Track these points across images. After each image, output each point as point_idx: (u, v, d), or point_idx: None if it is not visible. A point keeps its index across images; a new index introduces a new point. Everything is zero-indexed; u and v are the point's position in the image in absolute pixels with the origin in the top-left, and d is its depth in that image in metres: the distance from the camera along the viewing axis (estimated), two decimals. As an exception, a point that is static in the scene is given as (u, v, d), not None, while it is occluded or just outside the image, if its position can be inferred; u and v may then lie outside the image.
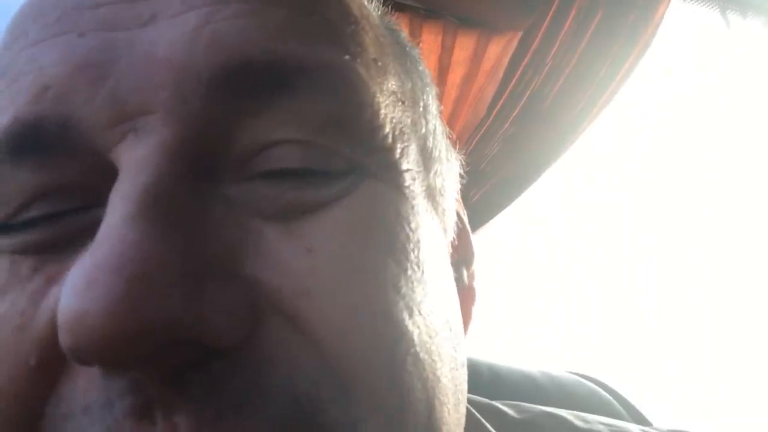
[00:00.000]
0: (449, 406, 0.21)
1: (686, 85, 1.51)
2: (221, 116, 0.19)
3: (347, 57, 0.21)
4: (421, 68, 0.28)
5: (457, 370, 0.22)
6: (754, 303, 1.54)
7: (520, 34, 1.20)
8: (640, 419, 0.52)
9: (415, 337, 0.19)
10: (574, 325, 1.58)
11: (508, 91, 1.18)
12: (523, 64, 1.17)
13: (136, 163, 0.18)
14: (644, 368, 1.52)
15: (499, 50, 1.22)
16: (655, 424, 0.50)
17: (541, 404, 0.40)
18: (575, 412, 0.39)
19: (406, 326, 0.19)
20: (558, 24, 1.15)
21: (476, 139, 1.20)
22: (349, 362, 0.18)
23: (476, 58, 1.20)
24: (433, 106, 0.28)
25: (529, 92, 1.18)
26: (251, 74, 0.19)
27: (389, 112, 0.22)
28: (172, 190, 0.18)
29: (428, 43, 1.16)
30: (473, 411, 0.35)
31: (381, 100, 0.22)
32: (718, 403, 1.46)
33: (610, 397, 0.53)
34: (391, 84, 0.23)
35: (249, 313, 0.17)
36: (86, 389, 0.17)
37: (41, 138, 0.19)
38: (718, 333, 1.56)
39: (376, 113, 0.21)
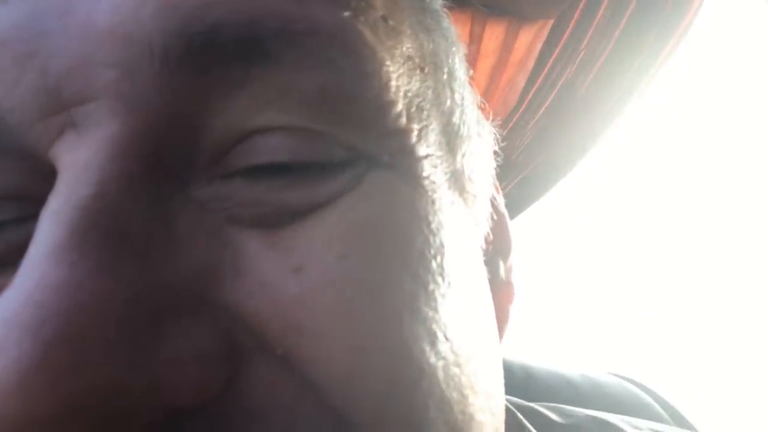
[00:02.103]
0: None
1: (728, 75, 1.45)
2: (184, 99, 0.15)
3: (347, 14, 0.17)
4: (444, 24, 0.23)
5: (494, 396, 0.18)
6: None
7: (551, 22, 1.16)
8: (682, 422, 0.49)
9: (440, 372, 0.15)
10: (613, 324, 1.54)
11: (539, 81, 1.15)
12: (555, 53, 1.14)
13: (74, 168, 0.14)
14: (684, 369, 1.48)
15: (529, 39, 1.19)
16: (698, 428, 0.47)
17: (578, 406, 0.38)
18: (623, 417, 0.36)
19: (427, 360, 0.15)
20: (591, 11, 1.11)
21: (507, 129, 1.17)
22: (358, 413, 0.14)
23: (506, 48, 1.17)
24: (461, 71, 0.23)
25: (561, 82, 1.14)
26: (219, 43, 0.15)
27: (403, 83, 0.18)
28: (120, 203, 0.14)
29: (456, 33, 1.13)
30: (518, 414, 0.32)
31: (392, 68, 0.18)
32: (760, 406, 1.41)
33: (651, 400, 0.51)
34: (406, 47, 0.19)
35: (226, 355, 0.14)
36: None
37: None
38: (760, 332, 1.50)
39: (386, 86, 0.17)
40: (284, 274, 0.15)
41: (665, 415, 0.50)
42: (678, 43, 1.13)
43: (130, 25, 0.15)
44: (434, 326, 0.16)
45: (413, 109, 0.18)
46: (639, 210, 1.60)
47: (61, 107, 0.15)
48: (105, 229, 0.13)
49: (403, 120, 0.18)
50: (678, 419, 0.50)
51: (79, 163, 0.14)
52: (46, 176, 0.15)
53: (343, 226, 0.16)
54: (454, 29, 0.24)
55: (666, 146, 1.56)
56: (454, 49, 0.23)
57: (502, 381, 0.20)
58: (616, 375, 0.52)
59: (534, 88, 1.15)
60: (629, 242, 1.61)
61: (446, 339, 0.16)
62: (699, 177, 1.57)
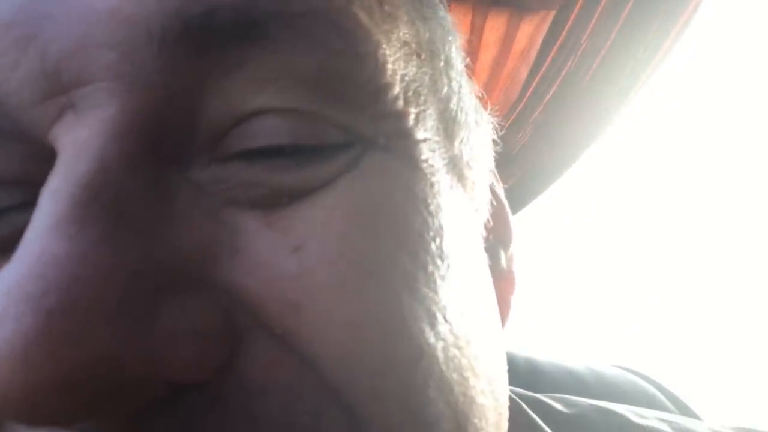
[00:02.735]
0: (488, 429, 0.17)
1: (732, 63, 1.43)
2: (183, 82, 0.15)
3: None
4: (441, 14, 0.23)
5: (496, 380, 0.18)
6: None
7: (553, 12, 1.15)
8: (687, 413, 0.49)
9: (439, 353, 0.15)
10: (618, 316, 1.54)
11: (541, 73, 1.14)
12: (557, 44, 1.13)
13: (74, 147, 0.14)
14: (689, 361, 1.48)
15: (531, 30, 1.18)
16: (711, 421, 0.47)
17: (585, 398, 0.37)
18: (629, 407, 0.35)
19: (426, 340, 0.15)
20: (593, 1, 1.10)
21: (508, 123, 1.16)
22: (357, 391, 0.14)
23: (507, 39, 1.16)
24: (457, 60, 0.23)
25: (563, 74, 1.13)
26: (215, 24, 0.15)
27: (399, 67, 0.18)
28: (120, 180, 0.14)
29: (457, 24, 1.12)
30: (523, 405, 0.32)
31: (388, 52, 0.18)
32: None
33: (657, 392, 0.50)
34: (403, 33, 0.19)
35: (225, 333, 0.14)
36: None
37: None
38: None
39: (382, 68, 0.17)
40: (283, 254, 0.15)
41: (671, 407, 0.50)
42: (681, 32, 1.12)
43: (129, 8, 0.15)
44: (433, 307, 0.16)
45: (410, 93, 0.18)
46: (643, 202, 1.59)
47: (60, 89, 0.15)
48: (105, 204, 0.13)
49: (400, 103, 0.18)
50: (683, 410, 0.50)
51: (79, 143, 0.14)
52: (46, 160, 0.15)
53: (342, 207, 0.16)
54: (451, 19, 0.24)
55: (669, 138, 1.55)
56: (450, 38, 0.23)
57: (505, 366, 0.20)
58: (621, 367, 0.52)
59: (536, 80, 1.14)
60: (633, 235, 1.60)
61: (445, 320, 0.16)
62: (703, 169, 1.56)
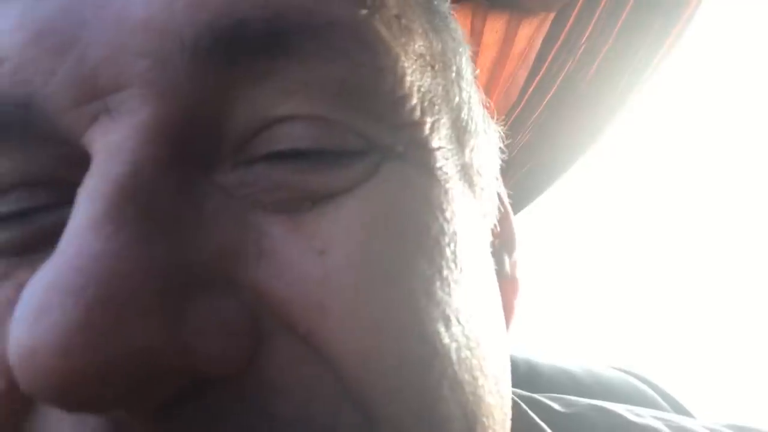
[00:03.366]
0: (495, 427, 0.18)
1: (733, 64, 1.44)
2: (211, 88, 0.16)
3: (364, 12, 0.18)
4: (452, 26, 0.24)
5: (502, 380, 0.19)
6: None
7: (552, 15, 1.15)
8: (684, 415, 0.49)
9: (453, 354, 0.16)
10: (615, 318, 1.54)
11: (540, 74, 1.14)
12: (557, 46, 1.13)
13: (108, 150, 0.15)
14: (686, 363, 1.48)
15: (530, 32, 1.18)
16: (705, 419, 0.47)
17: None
18: (626, 406, 0.36)
19: (441, 341, 0.16)
20: (593, 3, 1.10)
21: (508, 125, 1.16)
22: (373, 390, 0.15)
23: (507, 41, 1.16)
24: (468, 71, 0.24)
25: (563, 76, 1.14)
26: (246, 36, 0.16)
27: (416, 79, 0.19)
28: (152, 182, 0.15)
29: (457, 27, 1.13)
30: (523, 405, 0.32)
31: (406, 64, 0.18)
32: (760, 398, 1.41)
33: (653, 393, 0.51)
34: (418, 45, 0.20)
35: (250, 331, 0.15)
36: (57, 430, 0.14)
37: (1, 121, 0.16)
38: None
39: (401, 81, 0.18)
40: (308, 257, 0.16)
41: (667, 407, 0.50)
42: (681, 34, 1.13)
43: (163, 18, 0.16)
44: (448, 310, 0.17)
45: (426, 104, 0.19)
46: (642, 203, 1.59)
47: (96, 95, 0.16)
48: (139, 206, 0.14)
49: (417, 113, 0.19)
50: (679, 410, 0.50)
51: (113, 146, 0.15)
52: (78, 163, 0.16)
53: (364, 214, 0.17)
54: (461, 30, 0.25)
55: (669, 140, 1.55)
56: (461, 49, 0.24)
57: (509, 366, 0.21)
58: (618, 369, 0.52)
59: (535, 82, 1.15)
60: (632, 236, 1.61)
61: (459, 322, 0.17)
62: (702, 171, 1.56)
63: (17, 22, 0.16)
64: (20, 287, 0.15)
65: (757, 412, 1.36)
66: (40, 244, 0.16)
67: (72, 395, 0.12)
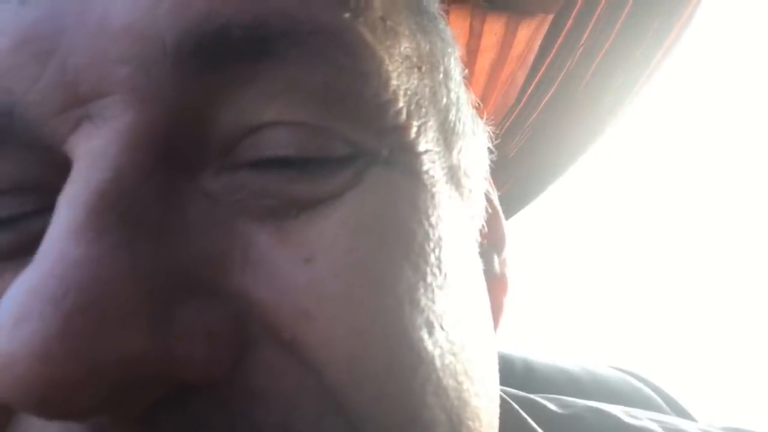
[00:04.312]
0: (481, 429, 0.18)
1: (728, 69, 1.44)
2: (195, 94, 0.16)
3: (347, 15, 0.18)
4: (441, 26, 0.24)
5: (489, 381, 0.19)
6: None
7: (551, 17, 1.16)
8: (683, 415, 0.49)
9: (437, 360, 0.16)
10: (616, 318, 1.54)
11: (539, 76, 1.14)
12: (555, 47, 1.13)
13: (89, 156, 0.15)
14: (685, 362, 1.48)
15: (529, 34, 1.18)
16: (703, 421, 0.47)
17: (581, 400, 0.38)
18: (623, 407, 0.36)
19: (424, 348, 0.16)
20: (591, 4, 1.10)
21: (506, 126, 1.17)
22: (358, 397, 0.15)
23: (506, 43, 1.16)
24: (456, 71, 0.24)
25: (561, 77, 1.14)
26: (228, 41, 0.16)
27: (402, 82, 0.19)
28: (134, 189, 0.14)
29: (455, 28, 1.13)
30: (514, 405, 0.32)
31: (391, 68, 0.18)
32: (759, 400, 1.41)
33: (651, 392, 0.51)
34: (404, 47, 0.19)
35: (234, 337, 0.15)
36: None
37: None
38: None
39: (385, 85, 0.18)
40: (295, 265, 0.16)
41: (666, 408, 0.50)
42: (679, 35, 1.13)
43: (145, 24, 0.16)
44: (431, 316, 0.17)
45: (412, 107, 0.19)
46: (640, 204, 1.60)
47: (78, 101, 0.16)
48: (121, 212, 0.14)
49: (403, 117, 0.19)
50: (678, 410, 0.50)
51: (95, 152, 0.15)
52: (61, 169, 0.16)
53: (349, 222, 0.17)
54: (450, 31, 0.25)
55: (666, 142, 1.55)
56: (449, 50, 0.24)
57: (496, 367, 0.21)
58: (616, 368, 0.52)
59: (533, 84, 1.15)
60: (630, 237, 1.61)
61: (442, 328, 0.17)
62: (700, 172, 1.56)
63: (0, 28, 0.16)
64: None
65: (757, 413, 1.36)
66: (27, 249, 0.16)
67: (52, 404, 0.12)
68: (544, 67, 1.14)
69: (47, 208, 0.16)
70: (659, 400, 0.50)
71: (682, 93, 1.44)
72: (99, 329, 0.12)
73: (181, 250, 0.15)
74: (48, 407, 0.12)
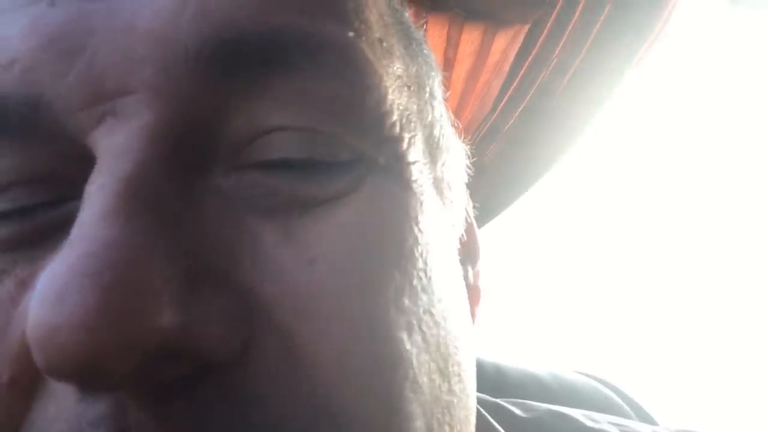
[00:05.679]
0: (452, 423, 0.19)
1: (701, 78, 1.48)
2: (211, 97, 0.17)
3: (351, 34, 0.19)
4: (426, 51, 0.26)
5: (466, 379, 0.20)
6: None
7: (527, 27, 1.18)
8: (647, 419, 0.51)
9: (413, 358, 0.17)
10: (581, 323, 1.57)
11: (514, 85, 1.16)
12: (530, 58, 1.15)
13: (115, 150, 0.16)
14: (650, 368, 1.51)
15: (505, 44, 1.20)
16: (662, 425, 0.49)
17: (546, 403, 0.39)
18: (584, 411, 0.37)
19: (404, 347, 0.17)
20: (566, 16, 1.13)
21: (481, 134, 1.18)
22: (344, 396, 0.16)
23: (482, 52, 1.18)
24: (439, 92, 0.26)
25: (536, 86, 1.16)
26: (245, 50, 0.17)
27: (396, 97, 0.20)
28: (156, 180, 0.16)
29: (433, 37, 1.14)
30: (480, 410, 0.33)
31: (388, 83, 0.20)
32: (722, 404, 1.45)
33: (617, 397, 0.52)
34: (397, 67, 0.21)
35: (244, 324, 0.16)
36: (56, 418, 0.15)
37: (6, 119, 0.17)
38: (724, 331, 1.54)
39: (383, 98, 0.19)
40: (299, 265, 0.17)
41: (631, 412, 0.51)
42: (651, 47, 1.16)
43: (169, 28, 0.17)
44: (412, 318, 0.18)
45: (404, 121, 0.21)
46: (616, 211, 1.62)
47: (103, 98, 0.17)
48: (145, 201, 0.15)
49: (397, 129, 0.20)
50: (643, 416, 0.51)
51: (119, 146, 0.16)
52: (79, 162, 0.17)
53: (351, 224, 0.18)
54: (434, 56, 0.27)
55: (641, 148, 1.59)
56: (433, 73, 0.26)
57: (473, 367, 0.22)
58: (583, 373, 0.54)
59: (509, 92, 1.17)
60: (604, 244, 1.63)
61: (420, 329, 0.18)
62: (674, 178, 1.60)
63: (29, 28, 0.17)
64: (21, 283, 0.16)
65: (721, 417, 1.40)
66: (40, 239, 0.17)
67: (90, 371, 0.13)
68: (519, 77, 1.16)
69: (60, 200, 0.17)
70: (622, 403, 0.52)
71: (654, 103, 1.47)
72: (134, 304, 0.13)
73: (196, 240, 0.16)
74: (85, 374, 0.13)
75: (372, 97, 0.19)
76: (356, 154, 0.19)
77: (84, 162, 0.16)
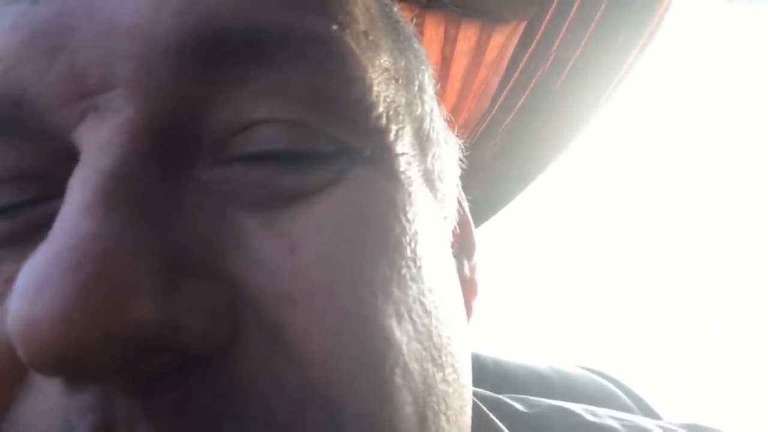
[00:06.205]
0: (448, 413, 0.19)
1: (696, 75, 1.48)
2: (193, 91, 0.17)
3: (335, 27, 0.19)
4: (415, 46, 0.26)
5: (460, 369, 0.20)
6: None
7: (524, 24, 1.18)
8: (650, 414, 0.51)
9: (404, 346, 0.17)
10: (584, 319, 1.57)
11: (511, 82, 1.16)
12: (527, 55, 1.15)
13: (97, 145, 0.16)
14: (653, 363, 1.51)
15: (502, 41, 1.20)
16: (664, 418, 0.49)
17: (548, 398, 0.39)
18: (585, 406, 0.37)
19: (393, 335, 0.17)
20: (562, 13, 1.13)
21: (480, 131, 1.18)
22: (334, 383, 0.16)
23: (479, 49, 1.18)
24: (429, 87, 0.26)
25: (533, 84, 1.16)
26: (227, 43, 0.17)
27: (382, 89, 0.20)
28: (138, 175, 0.16)
29: (430, 34, 1.14)
30: (481, 406, 0.33)
31: (373, 76, 0.20)
32: (723, 397, 1.45)
33: (620, 392, 0.52)
34: (384, 60, 0.21)
35: (228, 315, 0.16)
36: (44, 410, 0.15)
37: None
38: (724, 328, 1.54)
39: (369, 90, 0.19)
40: (281, 253, 0.17)
41: (633, 406, 0.51)
42: (647, 43, 1.16)
43: (150, 24, 0.17)
44: (402, 307, 0.18)
45: (391, 113, 0.21)
46: (614, 208, 1.63)
47: (85, 94, 0.17)
48: (127, 194, 0.15)
49: (383, 121, 0.20)
50: (645, 409, 0.51)
51: (102, 141, 0.16)
52: (64, 159, 0.17)
53: (333, 214, 0.18)
54: (424, 51, 0.27)
55: (639, 146, 1.59)
56: (423, 67, 0.26)
57: (469, 357, 0.22)
58: (584, 368, 0.54)
59: (506, 90, 1.17)
60: (603, 241, 1.64)
61: (410, 318, 0.18)
62: (671, 174, 1.60)
63: (12, 25, 0.17)
64: (8, 281, 0.16)
65: (722, 412, 1.40)
66: (26, 237, 0.17)
67: (71, 363, 0.13)
68: (516, 74, 1.16)
69: (46, 197, 0.17)
70: (626, 398, 0.51)
71: (651, 98, 1.47)
72: (113, 296, 0.13)
73: (179, 233, 0.16)
74: (67, 366, 0.13)
75: (356, 89, 0.19)
76: (340, 146, 0.19)
77: (69, 159, 0.16)
